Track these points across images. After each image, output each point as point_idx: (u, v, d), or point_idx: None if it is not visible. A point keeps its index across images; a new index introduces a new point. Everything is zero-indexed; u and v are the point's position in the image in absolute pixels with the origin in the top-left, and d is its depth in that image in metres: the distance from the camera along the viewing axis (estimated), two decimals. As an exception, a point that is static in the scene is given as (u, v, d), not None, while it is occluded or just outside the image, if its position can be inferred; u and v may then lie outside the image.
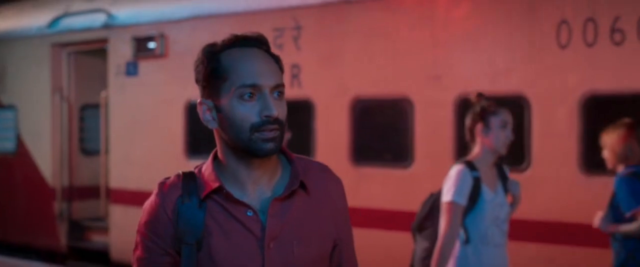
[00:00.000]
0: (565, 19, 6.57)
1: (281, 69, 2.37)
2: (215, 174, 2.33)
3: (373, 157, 7.74)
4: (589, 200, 6.27)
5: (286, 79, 8.09)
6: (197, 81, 2.35)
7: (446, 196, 4.72)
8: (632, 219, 5.07)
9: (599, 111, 6.47)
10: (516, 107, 6.73)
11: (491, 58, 6.98)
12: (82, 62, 11.14)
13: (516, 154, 6.80)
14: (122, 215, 9.83)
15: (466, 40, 7.14)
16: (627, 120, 5.39)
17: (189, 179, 2.36)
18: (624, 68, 6.35)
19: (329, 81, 7.93)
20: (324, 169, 2.50)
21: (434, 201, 4.99)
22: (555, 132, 6.65)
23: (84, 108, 11.23)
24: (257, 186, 2.34)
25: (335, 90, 7.87)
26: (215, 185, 2.31)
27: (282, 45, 8.16)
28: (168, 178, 2.41)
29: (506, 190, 4.93)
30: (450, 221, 4.65)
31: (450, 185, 4.72)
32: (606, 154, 5.37)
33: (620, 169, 5.25)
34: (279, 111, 2.25)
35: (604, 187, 5.71)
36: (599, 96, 6.46)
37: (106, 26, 10.09)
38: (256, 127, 2.23)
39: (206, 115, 2.33)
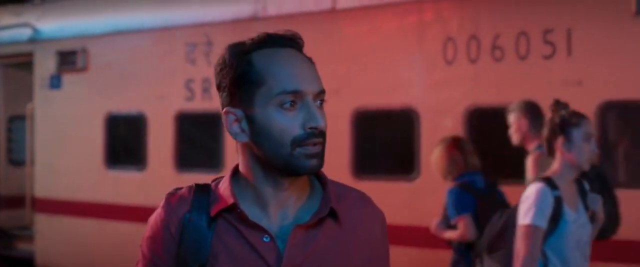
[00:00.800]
0: (451, 36, 6.91)
1: None
2: (231, 189, 2.00)
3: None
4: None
5: (198, 92, 8.38)
6: (219, 87, 2.01)
7: (525, 219, 4.11)
8: (456, 227, 5.45)
9: (481, 122, 6.82)
10: (407, 119, 7.08)
11: (385, 73, 7.30)
12: (9, 74, 11.32)
13: (406, 164, 7.14)
14: (47, 223, 9.99)
15: (363, 56, 7.46)
16: (449, 136, 5.77)
17: (202, 193, 2.04)
18: (504, 82, 6.71)
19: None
20: (364, 199, 2.14)
21: (507, 218, 4.48)
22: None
23: (12, 119, 11.40)
24: (281, 209, 2.00)
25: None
26: (229, 202, 1.98)
27: (195, 60, 8.42)
28: (179, 189, 2.09)
29: (587, 207, 4.35)
30: (530, 247, 4.05)
31: (529, 206, 4.12)
32: (433, 168, 5.73)
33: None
34: (324, 121, 1.93)
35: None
36: (481, 109, 6.81)
37: (32, 40, 10.27)
38: (299, 141, 1.91)
39: (234, 127, 1.98)
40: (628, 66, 6.23)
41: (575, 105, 6.28)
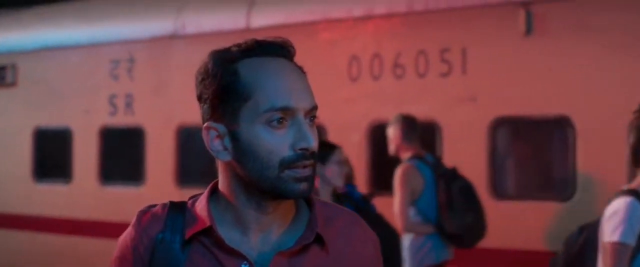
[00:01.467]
0: (355, 55, 7.14)
1: None
2: (208, 210, 1.81)
3: (198, 180, 8.19)
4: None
5: (121, 107, 8.54)
6: (199, 98, 1.80)
7: (612, 236, 3.70)
8: None
9: (384, 137, 7.05)
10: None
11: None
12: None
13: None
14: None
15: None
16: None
17: (176, 212, 1.85)
18: (404, 98, 6.95)
19: (157, 110, 8.37)
20: (355, 222, 1.92)
21: (588, 235, 4.05)
22: (351, 154, 7.20)
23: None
24: (263, 233, 1.81)
25: (163, 118, 8.32)
26: (205, 225, 1.79)
27: (118, 76, 8.59)
28: (152, 206, 1.89)
29: None
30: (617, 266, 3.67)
31: (618, 222, 3.70)
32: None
33: None
34: (315, 141, 1.75)
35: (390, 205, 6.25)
36: (384, 124, 7.04)
37: (-38, 55, 10.37)
38: (288, 163, 1.72)
39: (215, 144, 1.78)
40: (518, 83, 6.49)
41: (469, 120, 6.57)
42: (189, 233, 1.79)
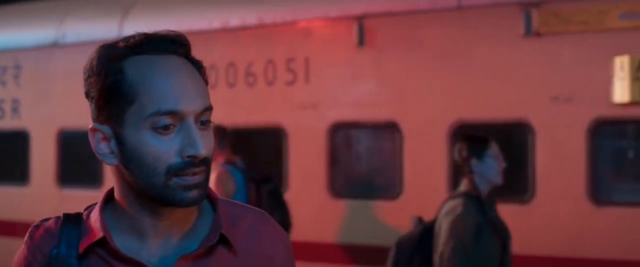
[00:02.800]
0: (213, 64, 7.54)
1: (206, 81, 1.68)
2: (101, 220, 1.67)
3: (78, 181, 8.54)
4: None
5: (8, 112, 8.86)
6: (87, 95, 1.65)
7: None
8: None
9: (236, 142, 7.45)
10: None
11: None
12: None
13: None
14: None
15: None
16: None
17: (71, 225, 1.71)
18: (255, 105, 7.35)
19: (40, 114, 8.72)
20: (263, 221, 1.80)
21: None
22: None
23: None
24: (162, 239, 1.67)
25: (46, 122, 8.66)
26: (98, 236, 1.65)
27: (6, 82, 8.93)
28: (45, 220, 1.75)
29: None
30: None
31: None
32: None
33: None
34: (206, 148, 1.59)
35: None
36: (239, 129, 7.44)
37: None
38: (175, 171, 1.58)
39: (101, 147, 1.63)
40: (353, 91, 6.91)
41: (311, 125, 6.99)
42: (82, 246, 1.66)
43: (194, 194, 1.60)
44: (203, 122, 1.61)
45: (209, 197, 1.76)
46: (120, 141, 1.60)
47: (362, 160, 7.28)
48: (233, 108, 7.46)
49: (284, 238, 1.82)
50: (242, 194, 6.08)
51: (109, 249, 1.65)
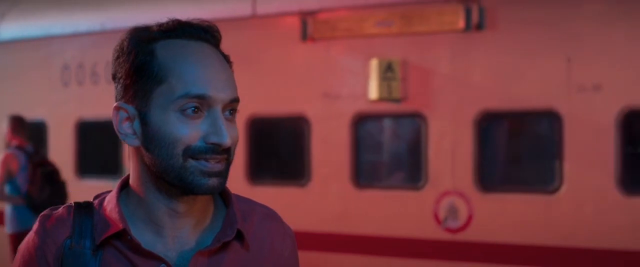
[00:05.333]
0: (66, 64, 8.33)
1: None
2: (119, 211, 1.60)
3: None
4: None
5: None
6: (114, 77, 1.61)
7: None
8: None
9: (87, 134, 8.26)
10: (39, 130, 8.51)
11: (22, 95, 8.76)
12: None
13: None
14: None
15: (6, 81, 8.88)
16: None
17: (83, 214, 1.63)
18: (99, 101, 8.15)
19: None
20: (271, 217, 1.78)
21: None
22: (66, 145, 8.43)
23: None
24: (179, 232, 1.62)
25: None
26: (117, 228, 1.58)
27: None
28: (55, 209, 1.67)
29: None
30: None
31: None
32: None
33: None
34: (231, 138, 1.55)
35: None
36: (86, 122, 8.24)
37: None
38: (192, 153, 1.51)
39: (124, 127, 1.58)
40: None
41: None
42: (100, 238, 1.59)
43: (214, 181, 1.54)
44: (230, 112, 1.57)
45: (223, 192, 1.70)
46: (144, 121, 1.54)
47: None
48: (82, 104, 8.25)
49: (290, 233, 1.80)
50: (24, 173, 7.06)
51: (126, 241, 1.58)
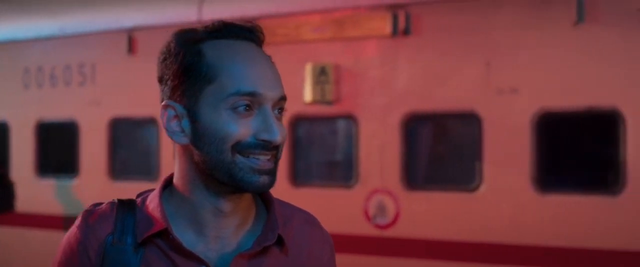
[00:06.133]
0: (27, 67, 8.59)
1: None
2: (161, 210, 1.62)
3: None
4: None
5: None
6: (160, 80, 1.63)
7: None
8: None
9: (48, 135, 8.53)
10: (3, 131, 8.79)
11: None
12: None
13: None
14: None
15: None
16: None
17: (126, 211, 1.65)
18: (57, 102, 8.40)
19: None
20: (312, 222, 1.79)
21: None
22: (26, 146, 8.70)
23: None
24: (221, 232, 1.63)
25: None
26: (160, 227, 1.60)
27: None
28: (97, 205, 1.69)
29: None
30: None
31: None
32: None
33: None
34: (281, 135, 1.57)
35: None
36: (46, 124, 8.50)
37: None
38: (241, 148, 1.54)
39: (172, 125, 1.60)
40: (128, 92, 7.93)
41: (96, 119, 7.97)
42: (142, 236, 1.60)
43: (264, 179, 1.55)
44: (279, 110, 1.60)
45: (264, 195, 1.72)
46: (193, 119, 1.56)
47: (134, 150, 8.28)
48: (41, 105, 8.52)
49: (329, 239, 1.80)
50: None
51: (169, 241, 1.59)
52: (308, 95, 6.79)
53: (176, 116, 1.58)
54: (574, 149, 6.12)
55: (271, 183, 1.57)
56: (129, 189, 7.17)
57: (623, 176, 5.74)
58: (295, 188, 6.98)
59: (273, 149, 1.55)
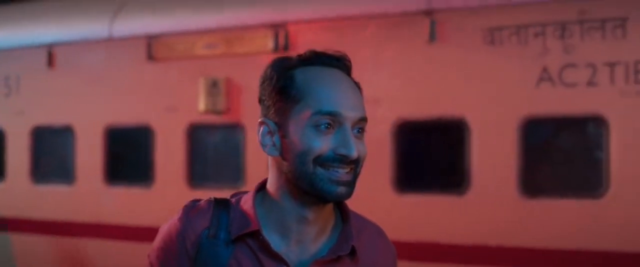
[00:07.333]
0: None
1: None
2: (254, 212, 1.80)
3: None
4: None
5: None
6: (260, 100, 1.84)
7: None
8: None
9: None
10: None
11: None
12: None
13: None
14: None
15: None
16: None
17: (221, 209, 1.83)
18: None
19: None
20: (380, 234, 1.96)
21: None
22: None
23: None
24: (303, 237, 1.79)
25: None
26: (253, 228, 1.77)
27: None
28: (197, 201, 1.89)
29: None
30: None
31: None
32: None
33: None
34: (358, 151, 1.73)
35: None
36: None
37: None
38: (321, 161, 1.71)
39: (266, 139, 1.80)
40: (49, 103, 8.52)
41: (20, 130, 8.56)
42: (236, 234, 1.77)
43: (342, 189, 1.71)
44: (358, 130, 1.76)
45: (341, 207, 1.87)
46: (282, 135, 1.75)
47: (125, 156, 8.85)
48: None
49: (394, 252, 1.95)
50: None
51: (258, 240, 1.75)
52: (202, 105, 7.40)
53: (270, 132, 1.79)
54: (427, 154, 6.76)
55: (348, 193, 1.73)
56: (46, 193, 7.72)
57: (468, 177, 6.37)
58: (193, 189, 7.58)
59: (351, 163, 1.72)
